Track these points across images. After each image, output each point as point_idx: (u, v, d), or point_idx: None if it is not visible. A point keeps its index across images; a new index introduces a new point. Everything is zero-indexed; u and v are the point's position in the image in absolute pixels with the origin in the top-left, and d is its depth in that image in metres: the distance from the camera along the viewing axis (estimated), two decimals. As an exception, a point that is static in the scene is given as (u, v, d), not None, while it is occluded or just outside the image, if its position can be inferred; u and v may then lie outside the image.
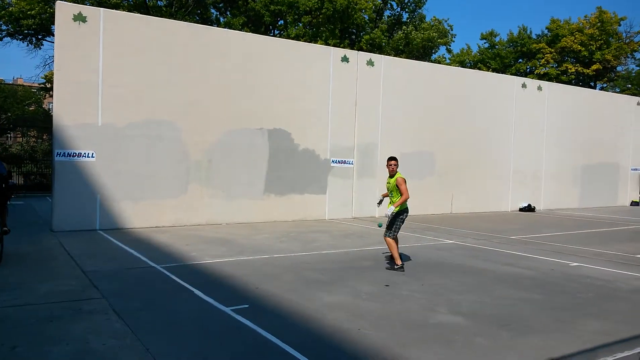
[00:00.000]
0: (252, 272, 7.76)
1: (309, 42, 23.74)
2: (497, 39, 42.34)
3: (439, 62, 36.24)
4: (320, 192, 15.21)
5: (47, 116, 30.63)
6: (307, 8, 27.71)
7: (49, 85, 29.43)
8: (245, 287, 6.86)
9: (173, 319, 5.48)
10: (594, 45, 36.91)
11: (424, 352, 4.65)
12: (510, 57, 40.86)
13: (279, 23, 31.17)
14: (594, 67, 37.24)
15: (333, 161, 15.40)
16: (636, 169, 23.76)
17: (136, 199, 12.42)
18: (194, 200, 13.18)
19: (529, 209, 19.30)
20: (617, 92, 33.86)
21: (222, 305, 5.94)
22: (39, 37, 27.83)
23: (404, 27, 32.77)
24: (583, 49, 36.89)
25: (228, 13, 30.68)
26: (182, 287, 6.80)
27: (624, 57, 39.43)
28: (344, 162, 15.65)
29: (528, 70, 40.21)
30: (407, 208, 8.14)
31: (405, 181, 7.99)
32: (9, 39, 27.11)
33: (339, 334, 5.10)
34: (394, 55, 28.68)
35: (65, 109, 11.65)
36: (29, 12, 24.05)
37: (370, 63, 16.00)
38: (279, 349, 4.66)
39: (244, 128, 13.88)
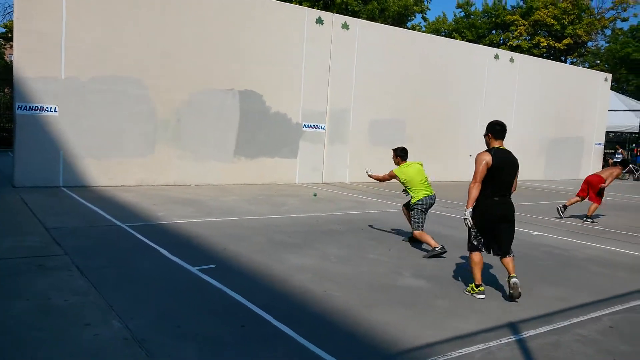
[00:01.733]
0: (220, 233, 7.72)
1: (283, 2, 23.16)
2: (473, 8, 42.27)
3: (414, 30, 35.97)
4: (291, 156, 15.14)
5: (8, 68, 29.33)
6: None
7: (9, 35, 28.11)
8: (213, 247, 6.84)
9: (138, 277, 5.42)
10: (567, 19, 37.25)
11: (389, 313, 4.74)
12: (484, 27, 40.94)
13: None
14: (565, 41, 37.68)
15: (305, 125, 15.29)
16: (600, 144, 24.40)
17: (101, 157, 12.12)
18: (162, 160, 12.94)
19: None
20: (587, 68, 34.44)
21: (188, 264, 5.90)
22: (-1, -17, 26.36)
23: (374, 1, 32.14)
24: (555, 22, 37.19)
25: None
26: (148, 246, 6.73)
27: (595, 33, 39.99)
28: (316, 127, 15.56)
29: (501, 41, 40.43)
30: (425, 199, 7.47)
31: (395, 172, 7.56)
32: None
33: (306, 294, 5.14)
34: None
35: (26, 61, 11.15)
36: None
37: (345, 26, 15.76)
38: (246, 308, 4.67)
39: (214, 88, 13.59)
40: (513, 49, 35.71)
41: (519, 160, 5.50)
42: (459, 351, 3.98)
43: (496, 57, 19.91)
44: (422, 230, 7.42)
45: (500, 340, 4.24)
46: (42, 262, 5.69)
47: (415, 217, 7.43)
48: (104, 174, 12.15)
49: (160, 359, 3.57)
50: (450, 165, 18.89)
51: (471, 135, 19.33)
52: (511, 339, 4.29)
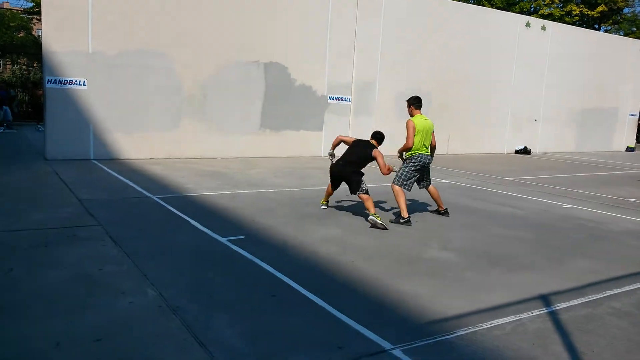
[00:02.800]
0: (248, 205, 7.78)
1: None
2: (503, -25, 40.79)
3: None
4: (316, 128, 15.07)
5: (37, 43, 29.73)
6: None
7: (37, 9, 28.39)
8: (241, 219, 6.90)
9: (170, 247, 5.51)
10: (602, -15, 35.75)
11: (416, 285, 4.73)
12: (514, -5, 39.55)
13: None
14: (599, 8, 36.23)
15: (330, 98, 15.16)
16: (634, 115, 23.66)
17: (130, 130, 12.26)
18: (188, 133, 13.03)
19: (525, 151, 19.33)
20: (622, 36, 33.17)
21: (218, 235, 5.97)
22: (25, -43, 26.54)
23: None
24: (589, -12, 35.76)
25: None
26: (178, 217, 6.82)
27: (632, -1, 38.28)
28: (341, 99, 15.42)
29: (532, 9, 39.09)
30: (420, 155, 7.24)
31: (412, 125, 7.17)
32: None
33: (333, 265, 5.16)
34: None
35: (54, 35, 11.25)
36: None
37: (371, -5, 15.43)
38: (274, 277, 4.72)
39: (239, 61, 13.53)
40: (544, 17, 34.55)
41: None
42: (490, 322, 3.95)
43: (527, 25, 19.29)
44: (403, 189, 7.23)
45: (532, 312, 4.20)
46: (76, 233, 5.82)
47: (404, 171, 7.26)
48: (132, 147, 12.31)
49: (194, 326, 3.64)
50: (479, 137, 18.60)
51: (501, 105, 18.93)
52: (543, 311, 4.24)
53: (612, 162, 18.17)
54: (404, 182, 7.27)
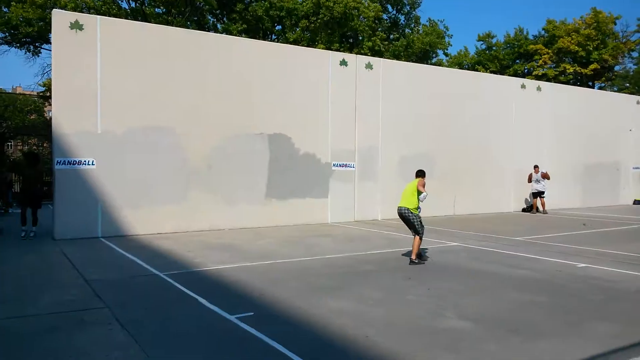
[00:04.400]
0: (256, 278, 7.67)
1: (308, 47, 23.73)
2: (494, 40, 42.37)
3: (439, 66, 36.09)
4: (322, 196, 15.13)
5: (48, 124, 30.61)
6: (303, 13, 27.73)
7: (48, 94, 29.42)
8: (250, 293, 6.78)
9: (177, 328, 5.39)
10: (591, 45, 36.95)
11: None
12: (507, 58, 40.93)
13: (277, 28, 31.15)
14: (592, 67, 37.28)
15: (334, 165, 15.33)
16: (638, 168, 23.69)
17: (137, 206, 12.34)
18: (195, 206, 13.09)
19: (531, 209, 19.22)
20: (616, 92, 33.88)
21: (226, 313, 5.85)
22: (37, 45, 27.83)
23: (401, 37, 32.55)
24: (580, 49, 36.93)
25: (225, 19, 30.69)
26: (186, 295, 6.72)
27: (622, 57, 39.47)
28: (345, 166, 15.58)
29: (526, 71, 40.26)
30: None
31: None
32: (6, 46, 27.12)
33: (346, 341, 5.02)
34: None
35: (64, 117, 11.59)
36: (26, 18, 24.09)
37: (369, 66, 15.94)
38: (285, 357, 4.57)
39: (243, 133, 13.81)
40: (539, 78, 35.52)
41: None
42: (513, 398, 3.78)
43: (523, 86, 19.76)
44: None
45: (556, 385, 4.02)
46: (83, 317, 5.72)
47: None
48: (140, 223, 12.33)
49: (204, 415, 3.49)
50: (484, 197, 18.58)
51: (504, 165, 19.04)
52: (567, 383, 4.06)
53: (620, 216, 18.02)
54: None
